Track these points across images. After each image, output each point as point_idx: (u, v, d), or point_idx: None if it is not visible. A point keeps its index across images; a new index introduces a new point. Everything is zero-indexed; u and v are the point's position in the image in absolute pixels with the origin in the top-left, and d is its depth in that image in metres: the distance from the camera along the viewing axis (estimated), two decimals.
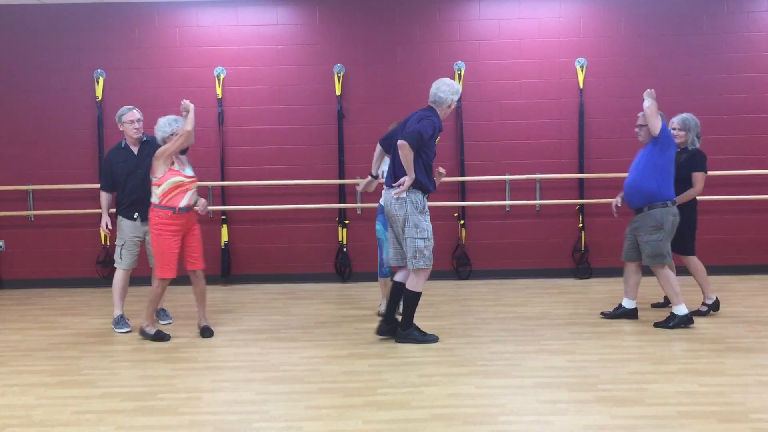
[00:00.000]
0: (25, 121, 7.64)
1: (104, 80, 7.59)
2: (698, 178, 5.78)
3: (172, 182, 5.37)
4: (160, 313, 6.12)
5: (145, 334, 5.59)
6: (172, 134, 5.43)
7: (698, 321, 5.76)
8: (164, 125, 5.48)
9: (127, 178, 5.81)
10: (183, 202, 5.40)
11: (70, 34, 7.59)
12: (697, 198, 5.91)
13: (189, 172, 5.53)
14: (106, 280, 7.62)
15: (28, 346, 5.51)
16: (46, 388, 4.55)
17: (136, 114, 5.86)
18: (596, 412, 4.00)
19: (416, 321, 5.39)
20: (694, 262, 5.91)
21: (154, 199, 5.41)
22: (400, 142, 5.04)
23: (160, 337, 5.56)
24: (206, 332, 5.65)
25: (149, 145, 5.83)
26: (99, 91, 7.58)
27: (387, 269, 5.98)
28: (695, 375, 4.56)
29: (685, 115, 5.90)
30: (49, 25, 7.57)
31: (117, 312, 5.93)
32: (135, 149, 5.90)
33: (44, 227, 7.72)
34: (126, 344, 5.52)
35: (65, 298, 7.21)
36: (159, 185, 5.37)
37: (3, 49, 7.60)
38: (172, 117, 5.54)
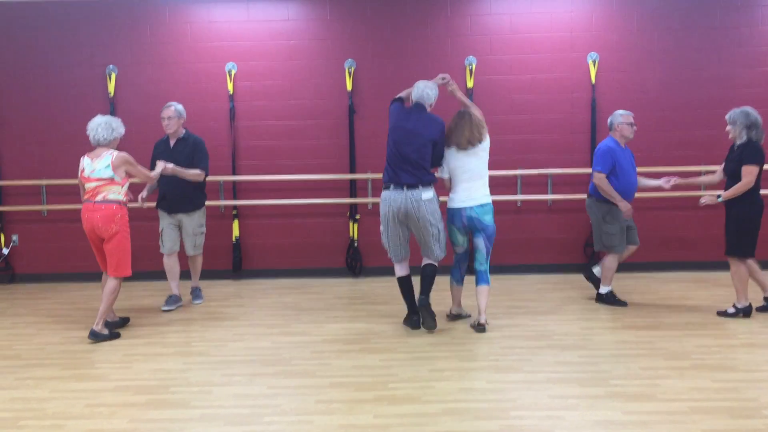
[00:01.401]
0: (38, 117, 7.69)
1: (116, 76, 7.62)
2: (745, 171, 5.58)
3: (127, 184, 5.59)
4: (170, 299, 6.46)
5: (98, 336, 5.45)
6: (121, 135, 5.61)
7: (712, 317, 5.75)
8: (116, 124, 5.55)
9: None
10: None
11: (82, 31, 7.62)
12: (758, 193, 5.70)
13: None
14: None
15: (41, 340, 5.55)
16: (59, 382, 4.59)
17: (166, 111, 6.26)
18: (608, 407, 3.98)
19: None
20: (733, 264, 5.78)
21: (120, 198, 5.51)
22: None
23: (114, 335, 5.53)
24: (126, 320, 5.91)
25: (184, 142, 6.28)
26: (111, 87, 7.61)
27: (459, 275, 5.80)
28: (708, 371, 4.53)
29: (734, 109, 5.77)
30: (62, 21, 7.61)
31: (171, 292, 6.48)
32: (172, 143, 6.31)
33: (57, 222, 7.77)
34: (138, 338, 5.55)
35: (78, 292, 7.26)
36: (122, 185, 5.52)
37: (16, 45, 7.64)
38: (113, 118, 5.59)
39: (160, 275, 6.84)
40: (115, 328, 5.70)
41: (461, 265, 5.73)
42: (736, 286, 5.76)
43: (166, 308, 6.36)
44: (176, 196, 6.29)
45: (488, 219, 5.53)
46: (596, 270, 6.45)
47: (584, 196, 7.59)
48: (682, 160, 7.40)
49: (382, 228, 5.57)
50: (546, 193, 7.65)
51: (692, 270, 7.42)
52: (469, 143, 5.43)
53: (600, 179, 6.02)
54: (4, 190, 7.77)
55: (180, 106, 6.32)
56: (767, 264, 7.46)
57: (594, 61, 7.54)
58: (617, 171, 6.04)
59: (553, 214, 7.72)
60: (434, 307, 5.57)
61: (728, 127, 5.74)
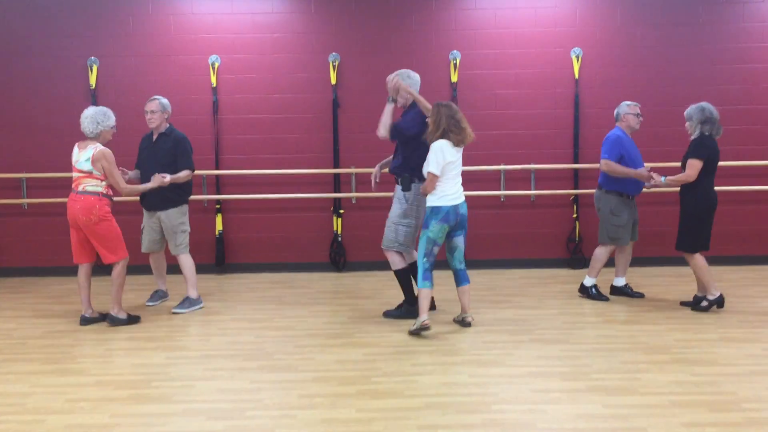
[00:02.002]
0: (18, 109, 7.60)
1: (98, 68, 7.55)
2: (688, 164, 5.68)
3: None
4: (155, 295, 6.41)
5: (115, 321, 5.64)
6: (112, 127, 5.63)
7: (692, 312, 5.81)
8: (101, 116, 5.56)
9: (143, 165, 6.12)
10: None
11: (63, 21, 7.53)
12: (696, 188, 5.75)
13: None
14: (100, 269, 7.60)
15: (22, 334, 5.50)
16: (40, 376, 4.55)
17: (149, 105, 6.08)
18: (589, 401, 4.02)
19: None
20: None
21: (101, 190, 5.54)
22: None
23: (133, 319, 5.73)
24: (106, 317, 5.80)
25: (166, 138, 6.09)
26: (93, 79, 7.54)
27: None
28: (688, 365, 4.58)
29: (692, 105, 5.83)
30: (42, 11, 7.51)
31: (156, 288, 6.47)
32: (154, 137, 6.15)
33: (38, 215, 7.69)
34: (120, 332, 5.52)
35: (59, 286, 7.19)
36: (102, 179, 5.55)
37: None
38: (105, 108, 5.64)
39: (144, 269, 6.79)
40: (92, 323, 5.70)
41: (432, 267, 5.39)
42: (701, 280, 5.80)
43: (150, 303, 6.33)
44: (153, 193, 5.97)
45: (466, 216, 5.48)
46: (617, 282, 6.42)
47: (567, 191, 7.68)
48: (663, 156, 7.44)
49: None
50: (529, 188, 7.68)
51: (673, 265, 7.49)
52: (467, 140, 5.30)
53: (607, 164, 6.03)
54: None
55: (165, 100, 6.13)
56: (739, 260, 7.62)
57: (577, 57, 7.58)
58: (626, 160, 6.02)
59: (536, 209, 7.76)
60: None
61: (687, 123, 5.81)
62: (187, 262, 6.18)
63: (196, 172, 7.21)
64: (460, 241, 5.44)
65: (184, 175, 6.05)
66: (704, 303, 5.81)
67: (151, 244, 6.24)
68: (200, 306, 6.17)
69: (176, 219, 6.12)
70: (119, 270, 5.65)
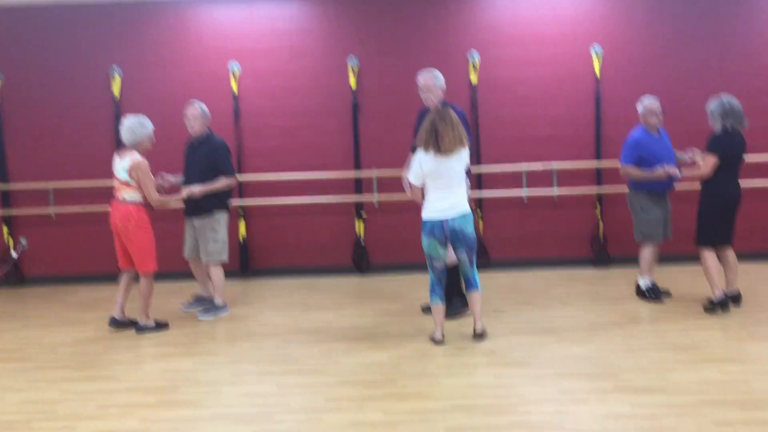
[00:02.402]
0: (43, 119, 7.72)
1: (121, 77, 7.65)
2: (704, 160, 5.61)
3: None
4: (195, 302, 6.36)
5: (143, 329, 5.70)
6: (149, 136, 5.70)
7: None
8: (137, 126, 5.66)
9: (187, 171, 6.17)
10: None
11: (85, 33, 7.64)
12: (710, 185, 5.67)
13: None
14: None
15: (52, 342, 5.59)
16: (70, 383, 4.62)
17: (188, 110, 6.10)
18: (617, 401, 3.99)
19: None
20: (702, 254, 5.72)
21: (138, 198, 5.62)
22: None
23: (161, 326, 5.78)
24: (134, 323, 5.86)
25: (206, 144, 6.09)
26: (116, 88, 7.64)
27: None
28: (717, 363, 4.52)
29: (712, 99, 5.74)
30: (65, 23, 7.63)
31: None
32: (195, 143, 6.16)
33: (66, 224, 7.79)
34: (148, 339, 5.58)
35: (88, 294, 7.28)
36: (136, 189, 5.63)
37: (21, 48, 7.66)
38: (142, 117, 5.73)
39: (176, 276, 6.88)
40: (120, 327, 5.79)
41: (442, 280, 5.17)
42: (706, 277, 5.66)
43: (186, 309, 6.32)
44: (190, 200, 6.01)
45: (470, 229, 5.06)
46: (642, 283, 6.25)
47: (589, 189, 7.63)
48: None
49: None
50: (551, 187, 7.64)
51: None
52: (453, 146, 4.93)
53: (624, 171, 6.00)
54: (12, 194, 7.80)
55: (204, 105, 6.11)
56: (765, 255, 7.47)
57: (598, 54, 7.52)
58: (648, 160, 5.91)
59: (559, 208, 7.71)
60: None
61: (709, 118, 5.71)
62: (215, 272, 6.13)
63: None
64: (462, 255, 5.11)
65: (221, 183, 6.02)
66: (708, 305, 5.64)
67: (190, 250, 6.24)
68: (225, 313, 6.19)
69: (210, 226, 6.05)
70: (145, 283, 5.70)
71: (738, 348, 4.80)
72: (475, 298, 5.19)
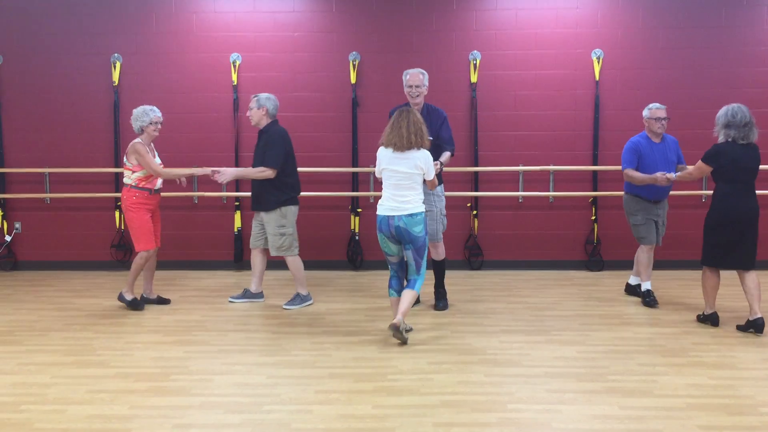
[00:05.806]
0: (42, 105, 7.71)
1: (121, 65, 7.64)
2: (695, 166, 5.57)
3: (143, 172, 5.90)
4: (247, 292, 6.39)
5: (122, 299, 6.07)
6: (150, 123, 5.89)
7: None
8: (140, 114, 5.91)
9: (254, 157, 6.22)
10: (157, 185, 6.03)
11: (87, 19, 7.63)
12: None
13: (158, 160, 6.10)
14: (121, 264, 7.71)
15: (43, 327, 5.59)
16: (60, 368, 4.62)
17: (252, 102, 6.11)
18: (605, 402, 4.01)
19: (427, 309, 5.43)
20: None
21: (130, 182, 5.92)
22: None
23: (135, 305, 6.02)
24: (164, 301, 6.25)
25: (265, 134, 6.09)
26: (116, 76, 7.63)
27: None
28: (705, 368, 4.55)
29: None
30: (67, 10, 7.62)
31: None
32: (261, 132, 6.17)
33: (60, 210, 7.80)
34: (139, 326, 5.59)
35: (80, 280, 7.29)
36: (134, 171, 5.89)
37: (21, 33, 7.65)
38: (148, 107, 5.95)
39: (178, 265, 6.92)
40: (148, 304, 6.15)
41: (399, 275, 5.25)
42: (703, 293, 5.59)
43: (232, 299, 6.34)
44: (253, 193, 6.19)
45: (417, 230, 5.04)
46: (631, 280, 6.49)
47: (586, 193, 7.66)
48: (686, 159, 7.37)
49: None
50: (548, 189, 7.66)
51: (693, 269, 7.43)
52: (404, 146, 5.03)
53: (625, 174, 6.06)
54: (7, 178, 7.79)
55: (264, 96, 6.05)
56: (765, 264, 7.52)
57: (598, 58, 7.55)
58: (642, 166, 5.97)
59: (554, 210, 7.74)
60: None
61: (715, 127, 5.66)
62: (292, 263, 6.18)
63: (217, 168, 7.29)
64: (408, 254, 5.12)
65: (254, 171, 6.01)
66: (699, 316, 5.60)
67: (253, 239, 6.32)
68: (310, 302, 6.22)
69: (276, 221, 6.06)
70: (137, 259, 5.98)
71: (727, 354, 4.83)
72: (407, 296, 5.06)
